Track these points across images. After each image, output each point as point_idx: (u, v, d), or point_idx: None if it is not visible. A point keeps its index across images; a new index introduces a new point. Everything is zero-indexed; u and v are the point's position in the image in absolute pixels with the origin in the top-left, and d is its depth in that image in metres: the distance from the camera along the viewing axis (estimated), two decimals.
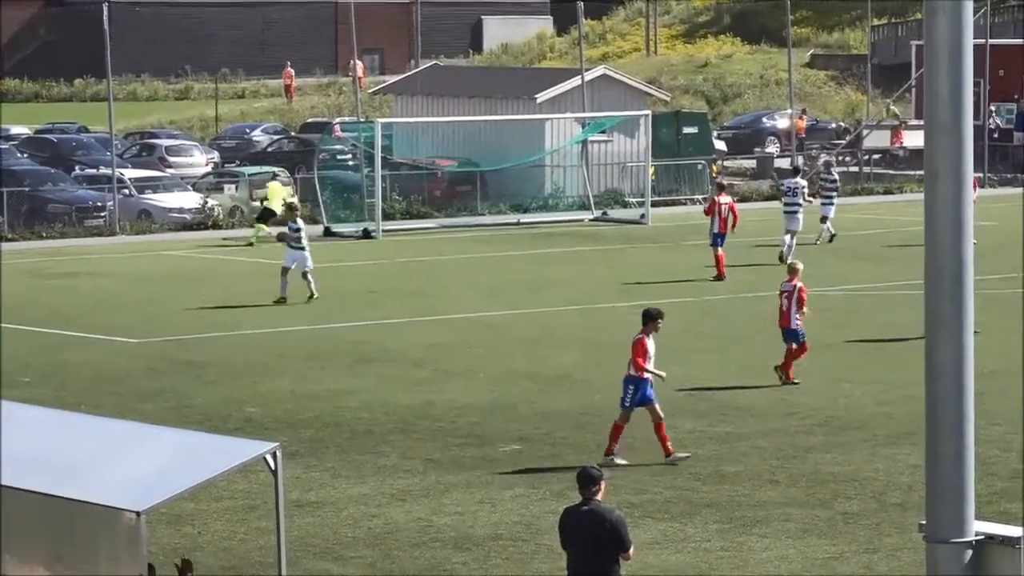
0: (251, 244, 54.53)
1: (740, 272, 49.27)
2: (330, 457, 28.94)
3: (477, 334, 40.58)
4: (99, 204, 59.04)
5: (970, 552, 13.42)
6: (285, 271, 42.11)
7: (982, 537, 13.45)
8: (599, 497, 17.75)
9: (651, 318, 27.71)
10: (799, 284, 32.78)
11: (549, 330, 41.18)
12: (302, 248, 42.55)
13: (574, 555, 17.91)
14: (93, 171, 63.66)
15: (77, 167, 66.24)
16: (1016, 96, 75.32)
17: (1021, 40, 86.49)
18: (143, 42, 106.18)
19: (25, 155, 68.40)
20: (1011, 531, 13.61)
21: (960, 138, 13.35)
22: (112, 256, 54.54)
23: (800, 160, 52.85)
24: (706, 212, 48.60)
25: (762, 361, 36.70)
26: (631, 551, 17.82)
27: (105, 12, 61.23)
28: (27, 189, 59.79)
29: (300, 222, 43.57)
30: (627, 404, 27.90)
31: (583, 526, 17.80)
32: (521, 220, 60.03)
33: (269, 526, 18.20)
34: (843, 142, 77.76)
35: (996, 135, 72.63)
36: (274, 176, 57.92)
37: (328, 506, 25.73)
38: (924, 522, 13.60)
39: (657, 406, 27.86)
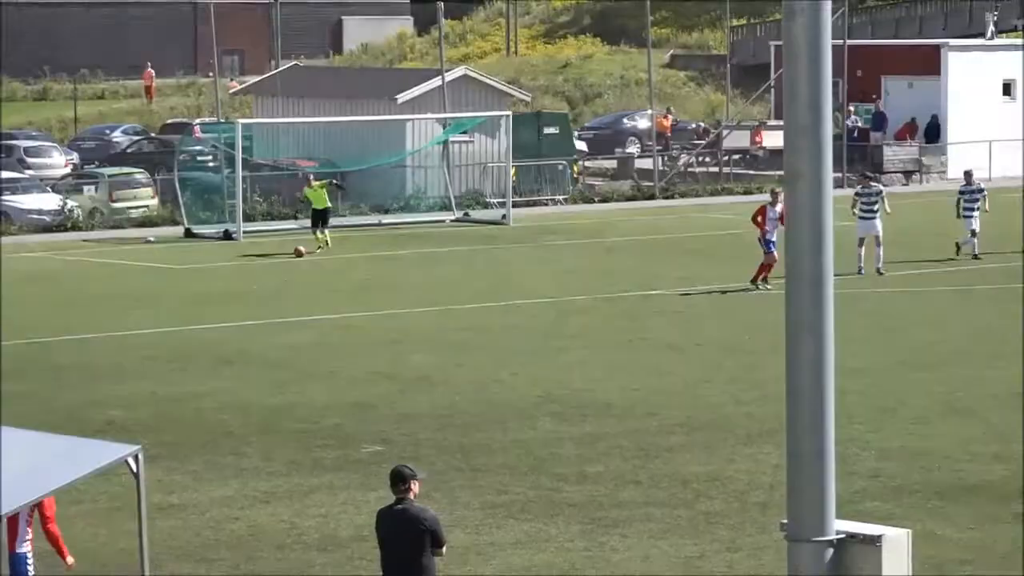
0: (325, 246, 53.19)
1: (593, 274, 50.24)
2: (192, 460, 28.76)
3: (337, 335, 40.69)
4: None
5: (831, 551, 13.47)
6: None
7: (843, 536, 13.54)
8: (411, 496, 17.91)
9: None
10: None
11: (408, 331, 41.24)
12: None
13: (391, 553, 18.10)
14: None
15: None
16: (874, 96, 76.73)
17: (879, 41, 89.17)
18: (4, 39, 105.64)
19: None
20: (872, 529, 13.73)
21: (820, 138, 13.41)
22: None
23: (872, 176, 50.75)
24: (757, 222, 48.12)
25: (625, 361, 36.94)
26: (444, 547, 18.03)
27: None
28: None
29: None
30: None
31: (398, 525, 18.02)
32: (382, 221, 59.99)
33: (132, 528, 18.09)
34: (703, 142, 78.39)
35: (855, 134, 73.84)
36: (308, 181, 55.88)
37: (191, 508, 25.57)
38: (785, 521, 13.58)
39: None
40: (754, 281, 44.54)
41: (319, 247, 53.57)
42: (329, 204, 54.17)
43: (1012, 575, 22.31)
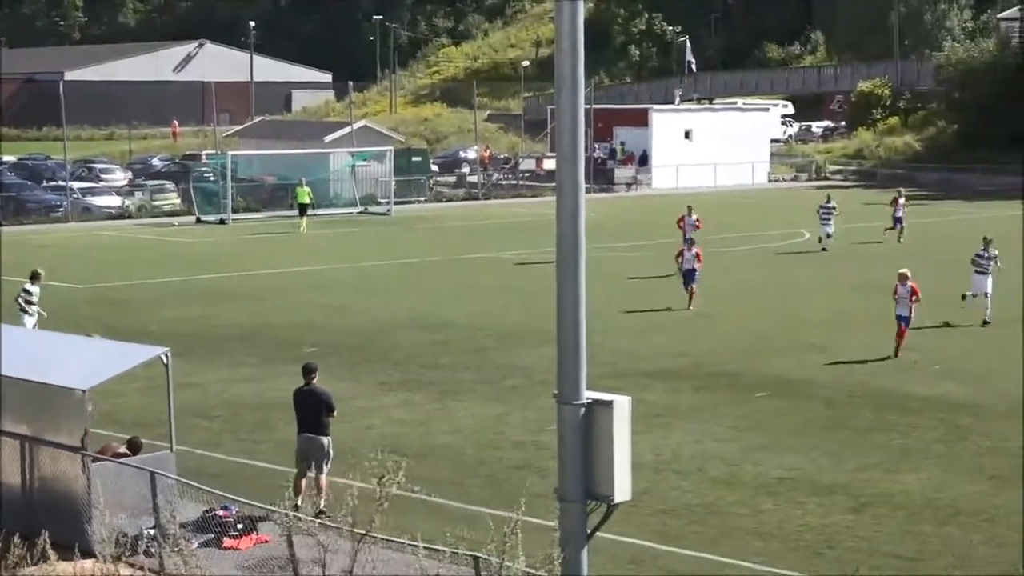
0: (302, 231, 66.23)
1: (441, 244, 59.16)
2: (202, 356, 33.88)
3: (292, 280, 49.41)
4: (59, 203, 72.67)
5: (583, 410, 15.33)
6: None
7: (590, 400, 15.38)
8: (315, 381, 21.67)
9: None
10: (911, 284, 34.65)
11: (334, 278, 49.70)
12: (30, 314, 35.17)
13: (301, 418, 21.66)
14: (55, 183, 77.43)
15: (45, 181, 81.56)
16: (608, 138, 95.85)
17: (612, 105, 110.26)
18: (84, 104, 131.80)
19: (13, 173, 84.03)
20: (608, 397, 15.45)
21: (576, 163, 15.27)
22: (67, 235, 65.88)
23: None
24: (680, 226, 52.60)
25: (463, 295, 44.90)
26: (335, 412, 21.66)
27: (61, 87, 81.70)
28: (13, 194, 73.34)
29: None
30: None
31: (306, 398, 21.73)
32: (315, 212, 72.74)
33: (164, 399, 20.57)
34: (508, 166, 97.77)
35: (598, 161, 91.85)
36: (300, 183, 69.80)
37: (200, 386, 30.85)
38: (556, 391, 15.44)
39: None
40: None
41: (301, 228, 66.22)
42: (310, 201, 68.22)
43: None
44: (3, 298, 38.02)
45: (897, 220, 62.47)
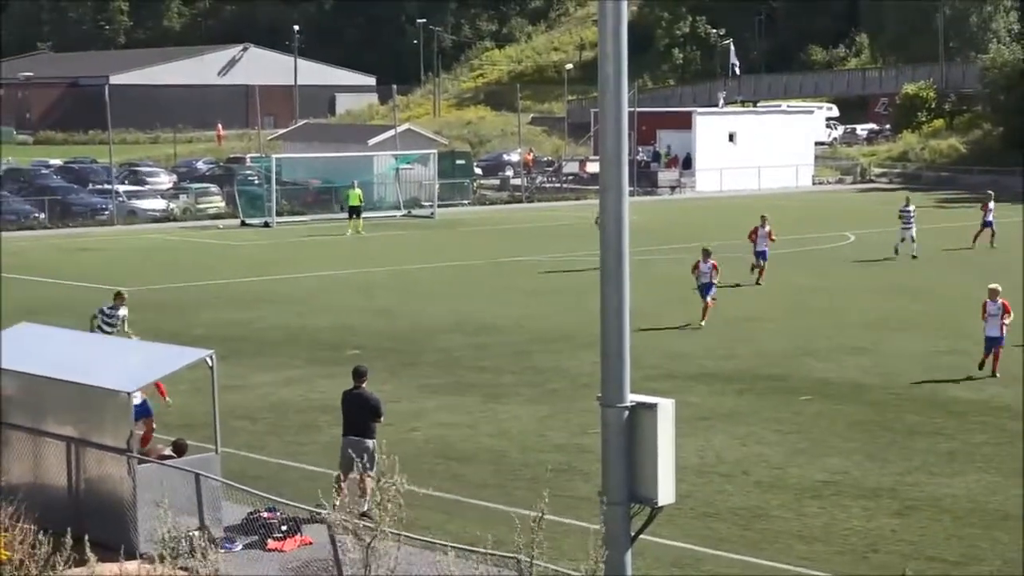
0: (359, 232, 67.29)
1: (486, 247, 58.71)
2: (245, 359, 34.19)
3: (334, 283, 49.63)
4: (104, 206, 73.36)
5: (627, 413, 15.07)
6: None
7: (634, 404, 15.10)
8: (364, 385, 21.72)
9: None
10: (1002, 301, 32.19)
11: (374, 283, 49.79)
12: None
13: (348, 421, 21.71)
14: (100, 186, 78.19)
15: (90, 184, 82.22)
16: (652, 141, 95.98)
17: (656, 108, 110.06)
18: (129, 108, 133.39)
19: (59, 177, 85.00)
20: (652, 400, 15.23)
21: (620, 166, 14.99)
22: (112, 237, 66.77)
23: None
24: (751, 238, 49.86)
25: (505, 298, 45.08)
26: (383, 417, 21.58)
27: (106, 91, 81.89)
28: (59, 197, 74.06)
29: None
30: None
31: (355, 401, 21.76)
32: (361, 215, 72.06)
33: (210, 400, 20.93)
34: (551, 169, 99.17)
35: (642, 164, 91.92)
36: (352, 185, 70.44)
37: (245, 389, 31.11)
38: (600, 395, 15.20)
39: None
40: (757, 282, 47.40)
41: (352, 231, 66.76)
42: (361, 203, 68.41)
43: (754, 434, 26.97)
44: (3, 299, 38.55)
45: (987, 224, 60.60)
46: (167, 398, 27.14)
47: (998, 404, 29.73)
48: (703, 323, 39.04)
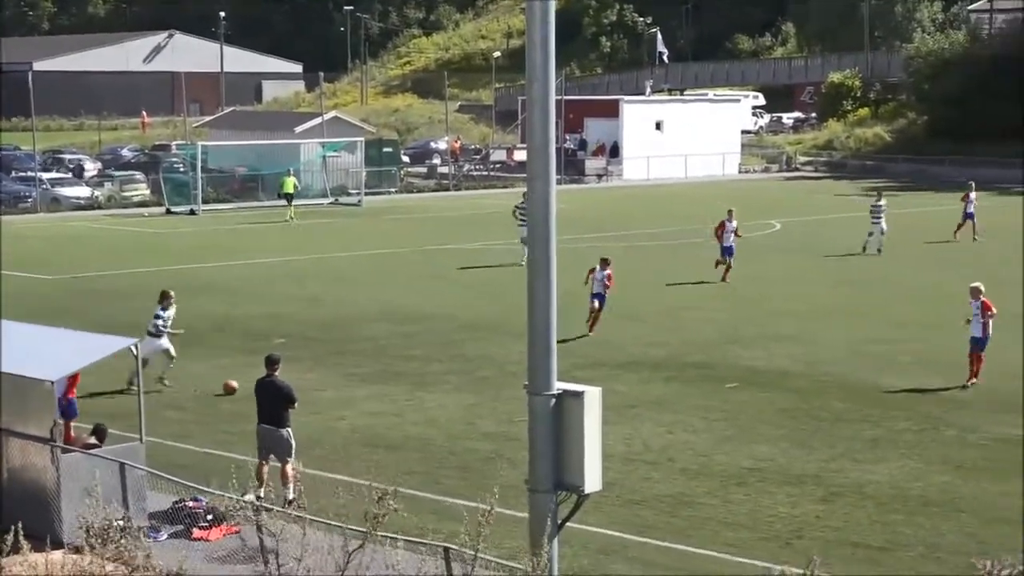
0: (290, 220, 67.32)
1: (410, 234, 58.48)
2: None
3: (263, 271, 49.29)
4: (27, 194, 73.09)
5: (553, 400, 15.38)
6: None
7: (560, 392, 15.42)
8: (277, 373, 21.90)
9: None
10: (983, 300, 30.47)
11: (304, 269, 49.63)
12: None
13: (262, 409, 21.96)
14: (23, 174, 78.04)
15: (13, 171, 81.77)
16: (579, 129, 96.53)
17: (583, 96, 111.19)
18: (53, 94, 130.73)
19: None
20: (579, 388, 15.59)
21: (548, 154, 15.31)
22: (35, 225, 66.22)
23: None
24: (717, 235, 47.85)
25: (429, 286, 44.89)
26: (296, 404, 21.77)
27: (30, 78, 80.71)
28: None
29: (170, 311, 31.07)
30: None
31: (268, 389, 21.99)
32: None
33: (135, 388, 21.09)
34: (478, 157, 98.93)
35: (569, 152, 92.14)
36: (288, 172, 71.17)
37: (179, 377, 30.49)
38: (527, 383, 15.45)
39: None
40: (723, 279, 45.73)
41: (288, 217, 67.14)
42: (295, 190, 69.07)
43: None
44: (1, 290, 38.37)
45: (968, 216, 58.85)
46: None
47: (921, 391, 29.94)
48: (591, 332, 36.35)
